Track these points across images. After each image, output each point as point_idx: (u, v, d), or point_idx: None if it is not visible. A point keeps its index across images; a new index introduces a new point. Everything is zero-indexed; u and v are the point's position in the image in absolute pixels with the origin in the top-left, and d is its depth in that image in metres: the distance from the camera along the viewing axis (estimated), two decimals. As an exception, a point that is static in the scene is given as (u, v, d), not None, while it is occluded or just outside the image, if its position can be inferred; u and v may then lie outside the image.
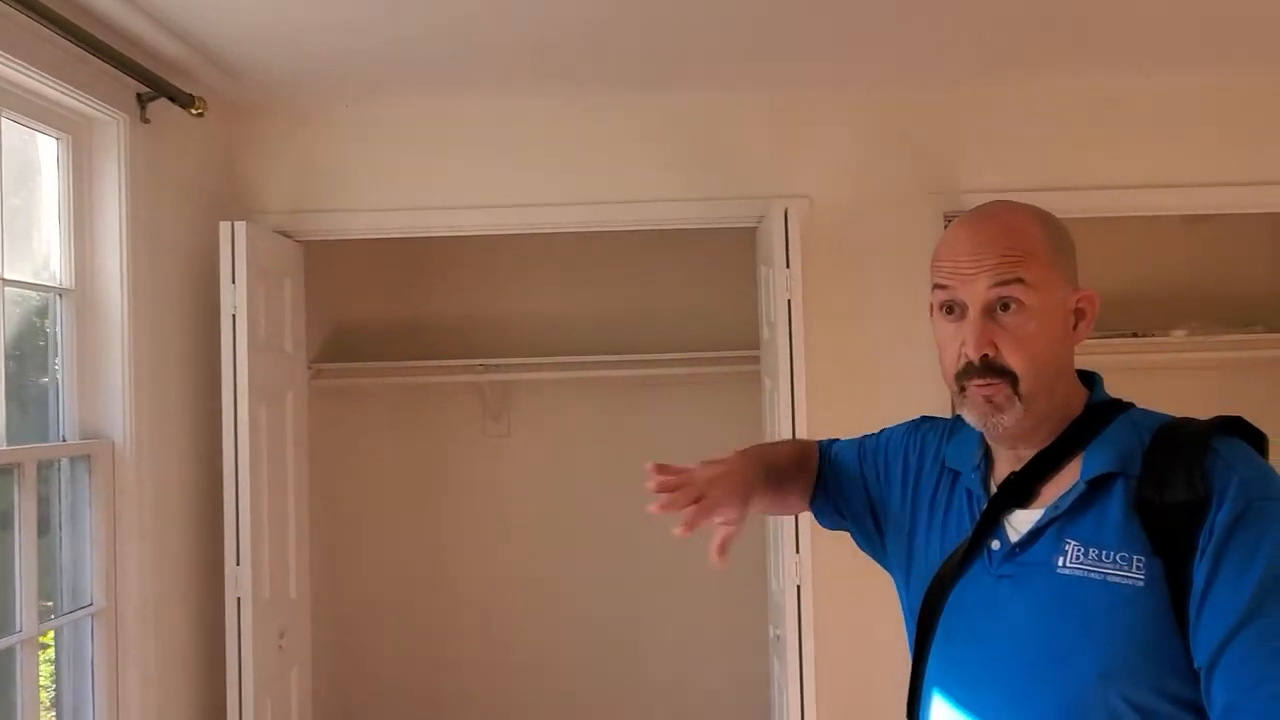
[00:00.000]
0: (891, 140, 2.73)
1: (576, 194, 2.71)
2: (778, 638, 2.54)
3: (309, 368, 3.27)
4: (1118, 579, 0.98)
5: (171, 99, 2.35)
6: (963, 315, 1.07)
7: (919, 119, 2.73)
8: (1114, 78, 2.67)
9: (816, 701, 2.37)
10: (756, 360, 2.94)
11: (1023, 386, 1.05)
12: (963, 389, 1.08)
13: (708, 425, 3.54)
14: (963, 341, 1.06)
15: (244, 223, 2.47)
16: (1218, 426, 1.02)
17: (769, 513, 1.47)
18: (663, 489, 1.18)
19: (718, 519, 1.19)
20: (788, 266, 2.44)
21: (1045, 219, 1.10)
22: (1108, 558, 1.00)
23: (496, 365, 3.43)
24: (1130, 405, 1.11)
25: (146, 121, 2.33)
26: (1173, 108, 2.71)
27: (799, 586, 2.39)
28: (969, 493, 1.17)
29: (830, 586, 2.52)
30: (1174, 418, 1.07)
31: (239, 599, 2.43)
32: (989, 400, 1.06)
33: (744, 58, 2.48)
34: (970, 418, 1.10)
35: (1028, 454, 1.10)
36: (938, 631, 1.15)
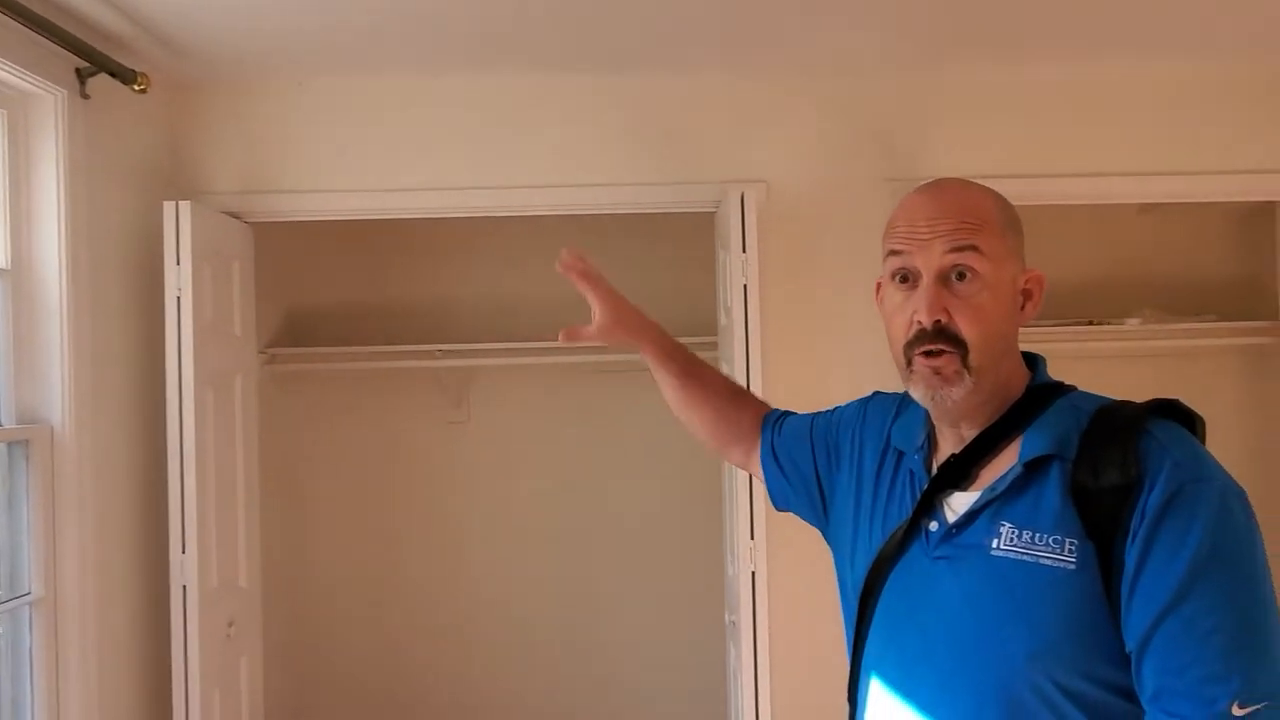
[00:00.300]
0: (850, 125, 2.72)
1: (533, 177, 2.68)
2: (733, 623, 2.53)
3: (262, 353, 3.22)
4: (1050, 562, 0.98)
5: (113, 74, 2.28)
6: (915, 283, 1.07)
7: (877, 105, 2.72)
8: (1070, 65, 2.68)
9: (771, 686, 2.37)
10: (715, 346, 2.93)
11: (973, 358, 1.04)
12: (910, 362, 1.07)
13: (668, 411, 3.53)
14: (915, 309, 1.06)
15: (188, 203, 2.41)
16: (1153, 409, 1.02)
17: (668, 393, 1.52)
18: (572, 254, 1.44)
19: (593, 309, 1.44)
20: (744, 251, 2.43)
21: (998, 196, 1.11)
22: (1041, 540, 0.99)
23: (455, 351, 3.39)
24: (1071, 388, 1.11)
25: (86, 97, 2.26)
26: (1126, 96, 2.72)
27: (754, 572, 2.39)
28: (911, 473, 1.17)
29: (785, 572, 2.52)
30: (1113, 400, 1.07)
31: (184, 587, 2.38)
32: (937, 373, 1.05)
33: (704, 40, 2.46)
34: (917, 393, 1.09)
35: (970, 434, 1.10)
36: (877, 612, 1.15)
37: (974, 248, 1.04)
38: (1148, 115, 2.72)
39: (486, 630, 3.53)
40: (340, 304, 3.54)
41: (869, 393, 1.36)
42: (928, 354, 1.05)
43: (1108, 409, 1.04)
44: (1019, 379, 1.10)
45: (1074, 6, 2.30)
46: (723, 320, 2.72)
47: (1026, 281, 1.09)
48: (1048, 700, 0.97)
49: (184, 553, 2.38)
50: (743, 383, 2.42)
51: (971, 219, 1.05)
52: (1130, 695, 0.96)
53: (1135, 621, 0.94)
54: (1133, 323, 3.25)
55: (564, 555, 3.54)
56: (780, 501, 1.41)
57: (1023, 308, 1.09)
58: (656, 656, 3.52)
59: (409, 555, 3.54)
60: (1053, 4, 2.28)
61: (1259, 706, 0.88)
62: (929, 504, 1.11)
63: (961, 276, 1.04)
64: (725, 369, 2.70)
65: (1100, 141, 2.72)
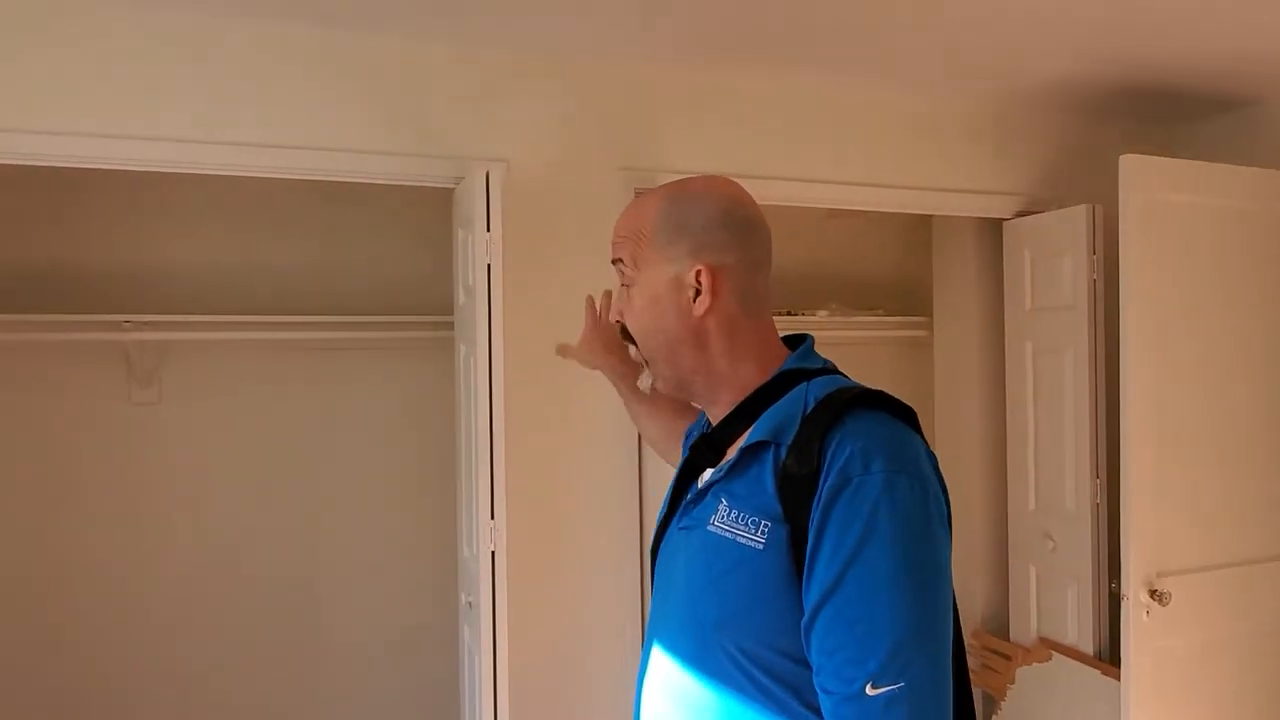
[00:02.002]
0: (589, 111, 2.78)
1: (243, 134, 2.40)
2: (470, 605, 2.51)
3: (-114, 319, 2.65)
4: (744, 540, 1.07)
5: None
6: None
7: (615, 94, 2.81)
8: (779, 78, 2.94)
9: (509, 668, 2.38)
10: (448, 326, 2.86)
11: (642, 351, 1.21)
12: None
13: (395, 394, 3.40)
14: None
15: None
16: (857, 398, 1.08)
17: (630, 410, 1.67)
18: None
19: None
20: (489, 230, 2.40)
21: (675, 200, 1.19)
22: (743, 521, 1.08)
23: (146, 323, 3.01)
24: (822, 373, 1.17)
25: None
26: (823, 112, 3.02)
27: (493, 552, 2.38)
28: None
29: (524, 552, 2.54)
30: (844, 389, 1.12)
31: None
32: (640, 361, 1.23)
33: (443, 5, 2.39)
34: None
35: (721, 417, 1.21)
36: (654, 576, 1.26)
37: (619, 260, 1.21)
38: (837, 131, 3.04)
39: (189, 637, 3.18)
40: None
41: None
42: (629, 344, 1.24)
43: (826, 397, 1.09)
44: (753, 366, 1.18)
45: (787, 26, 2.53)
46: (461, 299, 2.67)
47: (697, 276, 1.15)
48: (739, 665, 1.07)
49: None
50: (483, 362, 2.40)
51: (623, 233, 1.21)
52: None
53: (808, 604, 1.02)
54: (823, 314, 3.67)
55: (278, 546, 3.28)
56: None
57: (694, 301, 1.15)
58: (385, 645, 3.38)
59: (83, 554, 3.08)
60: (770, 22, 2.49)
61: (891, 687, 0.95)
62: (689, 478, 1.22)
63: (624, 282, 1.21)
64: (463, 349, 2.66)
65: (798, 150, 2.99)
